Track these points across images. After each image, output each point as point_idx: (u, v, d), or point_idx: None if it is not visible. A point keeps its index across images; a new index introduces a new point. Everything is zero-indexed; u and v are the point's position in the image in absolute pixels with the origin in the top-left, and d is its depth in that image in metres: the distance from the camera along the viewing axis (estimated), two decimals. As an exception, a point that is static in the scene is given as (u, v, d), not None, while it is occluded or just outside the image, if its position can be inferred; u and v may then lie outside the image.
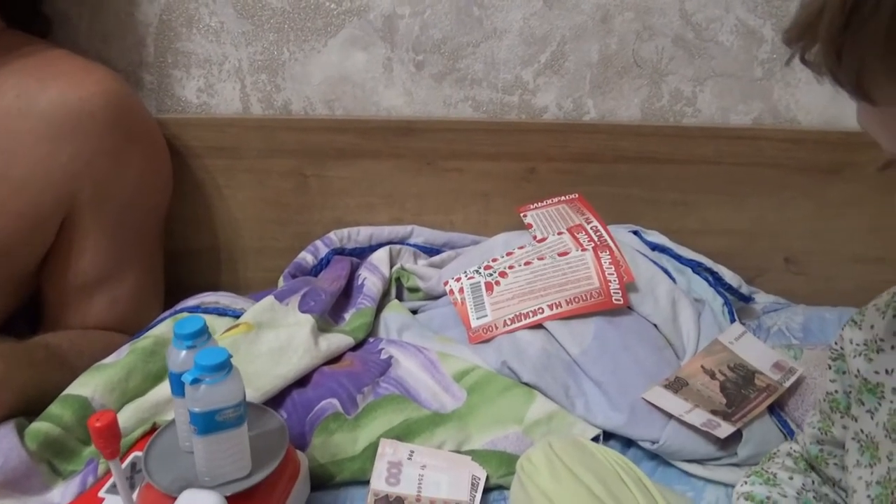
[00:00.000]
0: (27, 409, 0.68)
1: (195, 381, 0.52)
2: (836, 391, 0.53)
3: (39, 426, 0.66)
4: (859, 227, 0.97)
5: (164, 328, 0.79)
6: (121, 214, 0.82)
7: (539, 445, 0.61)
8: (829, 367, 0.54)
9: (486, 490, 0.69)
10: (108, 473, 0.65)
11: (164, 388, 0.70)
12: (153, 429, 0.68)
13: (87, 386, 0.70)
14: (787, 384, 0.77)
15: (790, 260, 1.00)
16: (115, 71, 0.88)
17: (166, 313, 0.83)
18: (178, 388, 0.55)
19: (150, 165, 0.86)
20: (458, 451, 0.71)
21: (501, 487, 0.70)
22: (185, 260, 0.98)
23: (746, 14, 0.91)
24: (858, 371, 0.50)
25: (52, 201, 0.76)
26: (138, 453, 0.65)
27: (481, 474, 0.68)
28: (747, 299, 0.93)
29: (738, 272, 0.95)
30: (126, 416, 0.68)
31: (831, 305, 0.96)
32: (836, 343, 0.53)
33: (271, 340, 0.75)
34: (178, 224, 0.95)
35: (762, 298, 0.97)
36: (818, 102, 0.95)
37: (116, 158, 0.79)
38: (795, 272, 1.00)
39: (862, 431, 0.49)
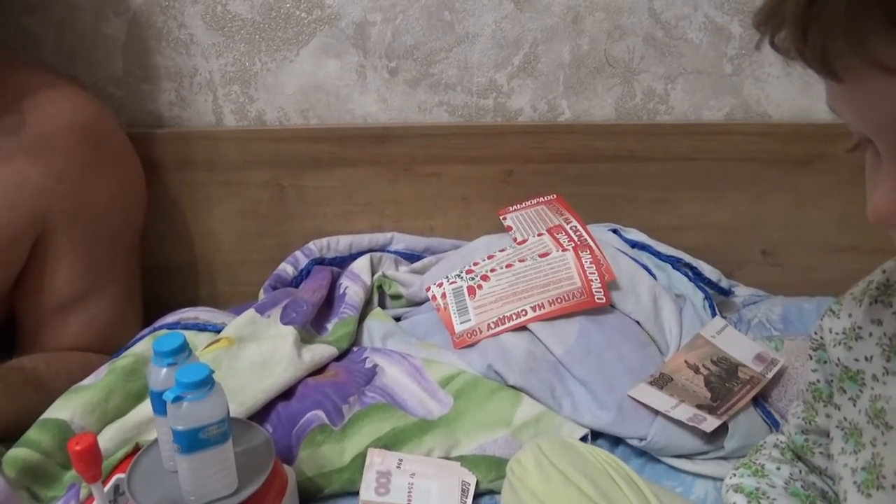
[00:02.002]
0: (4, 436, 0.67)
1: (177, 399, 0.51)
2: (818, 381, 0.54)
3: (17, 452, 0.64)
4: (833, 217, 0.98)
5: (143, 346, 0.78)
6: (95, 231, 0.80)
7: (528, 447, 0.61)
8: (811, 358, 0.54)
9: (477, 495, 0.68)
10: (90, 498, 0.63)
11: (145, 408, 0.68)
12: (136, 449, 0.66)
13: (65, 409, 0.68)
14: (770, 375, 0.77)
15: (767, 252, 1.01)
16: (84, 87, 0.86)
17: (145, 331, 0.82)
18: (160, 407, 0.54)
19: (123, 180, 0.85)
20: (447, 458, 0.71)
21: (492, 492, 0.69)
22: (162, 276, 0.97)
23: (714, 11, 0.92)
24: (839, 360, 0.50)
25: (23, 220, 0.74)
26: (121, 475, 0.64)
27: (471, 480, 0.68)
28: (727, 293, 0.94)
29: (716, 266, 0.96)
30: (107, 438, 0.66)
31: (809, 296, 0.97)
32: (815, 333, 0.54)
33: (254, 354, 0.74)
34: (154, 239, 0.94)
35: (741, 291, 0.98)
36: (788, 96, 0.97)
37: (88, 174, 0.78)
38: (773, 264, 1.02)
39: (845, 419, 0.49)
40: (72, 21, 0.90)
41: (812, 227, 0.99)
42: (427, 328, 0.86)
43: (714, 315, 0.87)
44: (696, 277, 0.92)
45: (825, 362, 0.53)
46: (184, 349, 0.55)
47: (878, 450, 0.46)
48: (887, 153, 0.35)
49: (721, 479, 0.66)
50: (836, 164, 0.95)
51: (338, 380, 0.75)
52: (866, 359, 0.48)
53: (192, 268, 0.99)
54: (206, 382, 0.52)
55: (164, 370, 0.55)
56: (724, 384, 0.76)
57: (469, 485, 0.68)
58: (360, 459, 0.69)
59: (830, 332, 0.51)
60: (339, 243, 0.96)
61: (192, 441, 0.52)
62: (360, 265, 0.92)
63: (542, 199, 0.96)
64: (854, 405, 0.49)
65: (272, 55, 0.93)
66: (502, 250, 0.89)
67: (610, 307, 0.83)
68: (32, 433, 0.66)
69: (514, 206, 0.96)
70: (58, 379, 0.73)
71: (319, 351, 0.78)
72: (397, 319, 0.91)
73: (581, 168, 0.96)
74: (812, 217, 0.98)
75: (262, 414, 0.70)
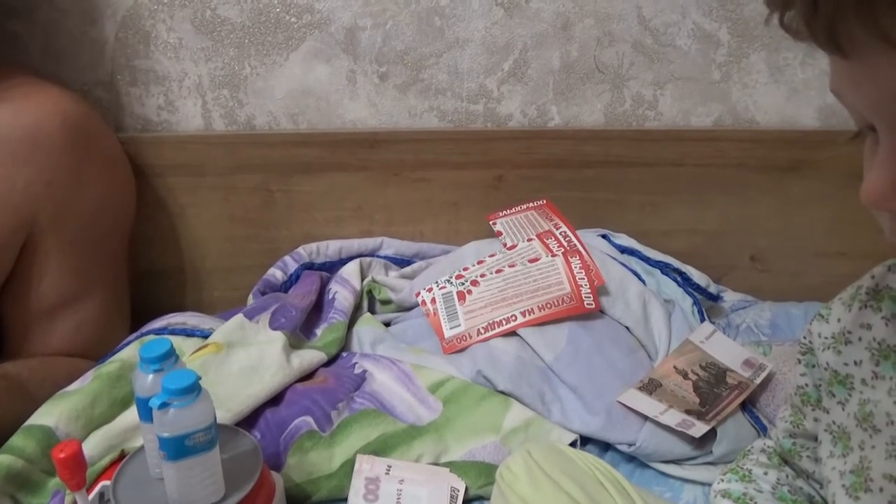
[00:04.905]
0: (-13, 443, 0.66)
1: (163, 406, 0.50)
2: (807, 385, 0.54)
3: (1, 459, 0.63)
4: (820, 222, 0.99)
5: (129, 352, 0.77)
6: (83, 235, 0.80)
7: (518, 453, 0.61)
8: (799, 362, 0.55)
9: (466, 501, 0.68)
10: (75, 505, 0.63)
11: (131, 415, 0.68)
12: (121, 456, 0.66)
13: (50, 415, 0.67)
14: (758, 381, 0.78)
15: (755, 257, 1.02)
16: (73, 90, 0.86)
17: (132, 336, 0.81)
18: (146, 414, 0.53)
19: (112, 184, 0.84)
20: (437, 464, 0.70)
21: (481, 498, 0.69)
22: (150, 281, 0.96)
23: (702, 18, 0.93)
24: (828, 364, 0.50)
25: (12, 225, 0.74)
26: (107, 482, 0.63)
27: (460, 486, 0.68)
28: (715, 298, 0.95)
29: (705, 271, 0.96)
30: (93, 445, 0.65)
31: (797, 301, 0.98)
32: (804, 338, 0.54)
33: (242, 359, 0.74)
34: (142, 244, 0.93)
35: (730, 297, 0.99)
36: (775, 103, 0.97)
37: (76, 178, 0.77)
38: (761, 269, 1.02)
39: (834, 423, 0.50)
40: (58, 24, 0.89)
41: (800, 232, 1.00)
42: (416, 333, 0.86)
43: (703, 320, 0.87)
44: (685, 283, 0.92)
45: (814, 366, 0.53)
46: (170, 355, 0.55)
47: (866, 453, 0.46)
48: (885, 134, 0.35)
49: (709, 484, 0.66)
50: (824, 170, 0.96)
51: (326, 385, 0.75)
52: (855, 363, 0.49)
53: (180, 273, 0.98)
54: (193, 389, 0.51)
55: (151, 376, 0.54)
56: (712, 389, 0.76)
57: (458, 491, 0.67)
58: (348, 466, 0.68)
59: (819, 336, 0.52)
60: (329, 248, 0.95)
61: (178, 448, 0.51)
62: (350, 270, 0.92)
63: (531, 204, 0.96)
64: (843, 409, 0.49)
65: (262, 59, 0.92)
66: (492, 255, 0.89)
67: (599, 312, 0.83)
68: (16, 439, 0.65)
69: (504, 212, 0.96)
70: (43, 385, 0.72)
71: (308, 356, 0.77)
72: (387, 325, 0.90)
73: (570, 173, 0.97)
74: (799, 222, 0.99)
75: (249, 420, 0.70)
